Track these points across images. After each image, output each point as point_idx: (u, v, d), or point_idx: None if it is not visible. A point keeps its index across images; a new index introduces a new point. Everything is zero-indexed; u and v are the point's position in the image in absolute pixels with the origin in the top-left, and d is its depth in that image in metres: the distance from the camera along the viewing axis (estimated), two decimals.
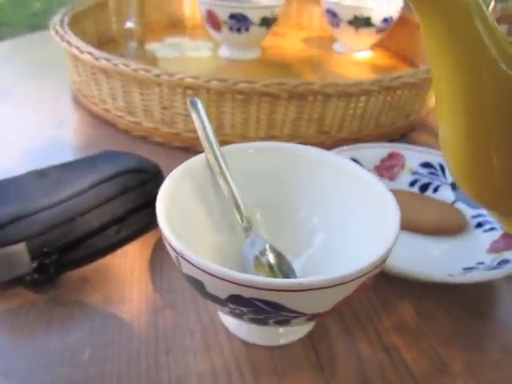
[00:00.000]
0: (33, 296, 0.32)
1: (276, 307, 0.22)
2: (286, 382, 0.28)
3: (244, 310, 0.23)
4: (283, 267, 0.30)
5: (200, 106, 0.32)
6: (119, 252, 0.36)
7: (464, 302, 0.34)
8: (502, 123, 0.19)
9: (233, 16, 0.71)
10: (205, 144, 0.31)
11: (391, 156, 0.43)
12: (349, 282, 0.22)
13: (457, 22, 0.18)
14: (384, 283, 0.34)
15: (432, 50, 0.19)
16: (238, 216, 0.31)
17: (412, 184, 0.43)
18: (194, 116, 0.31)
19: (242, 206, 0.31)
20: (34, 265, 0.31)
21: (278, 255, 0.30)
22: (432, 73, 0.20)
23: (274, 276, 0.29)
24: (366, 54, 0.83)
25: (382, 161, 0.43)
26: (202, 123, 0.31)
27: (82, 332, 0.30)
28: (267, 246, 0.30)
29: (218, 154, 0.31)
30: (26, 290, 0.32)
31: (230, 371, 0.28)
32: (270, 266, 0.30)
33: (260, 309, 0.22)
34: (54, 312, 0.31)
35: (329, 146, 0.46)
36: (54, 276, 0.32)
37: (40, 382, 0.27)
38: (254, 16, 0.72)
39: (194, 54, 0.77)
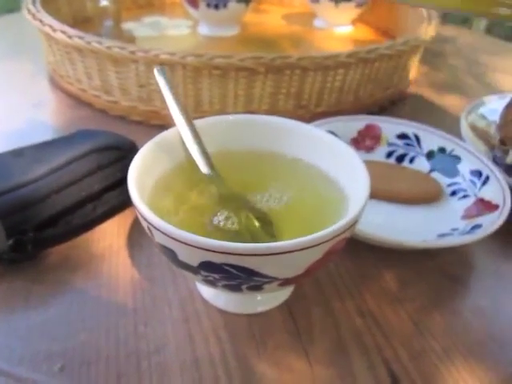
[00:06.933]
0: (11, 274, 0.32)
1: (247, 272, 0.23)
2: (264, 349, 0.29)
3: (216, 276, 0.23)
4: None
5: (167, 74, 0.32)
6: (97, 229, 0.36)
7: (440, 268, 0.35)
8: None
9: None
10: (172, 108, 0.31)
11: (368, 128, 0.44)
12: (317, 245, 0.22)
13: None
14: (362, 252, 0.35)
15: None
16: (202, 167, 0.30)
17: (389, 155, 0.44)
18: (161, 84, 0.31)
19: (210, 158, 0.30)
20: (10, 242, 0.31)
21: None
22: None
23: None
24: (346, 29, 0.82)
25: (359, 132, 0.44)
26: (169, 90, 0.31)
27: (60, 307, 0.30)
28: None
29: (186, 119, 0.30)
30: (3, 268, 0.32)
31: (208, 339, 0.29)
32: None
33: (232, 275, 0.23)
34: (33, 289, 0.31)
35: (307, 120, 0.46)
36: (32, 254, 0.32)
37: (19, 356, 0.27)
38: None
39: (172, 33, 0.76)
